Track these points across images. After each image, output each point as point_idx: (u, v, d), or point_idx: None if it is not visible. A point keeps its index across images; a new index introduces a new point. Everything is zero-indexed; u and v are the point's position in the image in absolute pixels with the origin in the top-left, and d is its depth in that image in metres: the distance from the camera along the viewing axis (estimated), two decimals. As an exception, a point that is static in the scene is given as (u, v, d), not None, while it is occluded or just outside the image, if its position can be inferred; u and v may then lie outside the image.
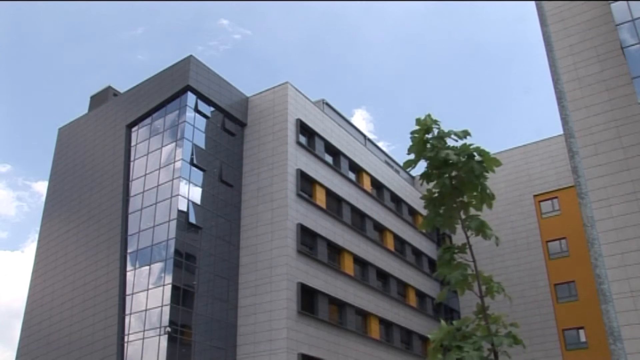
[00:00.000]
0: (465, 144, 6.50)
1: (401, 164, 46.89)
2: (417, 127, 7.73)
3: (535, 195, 53.85)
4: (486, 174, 6.47)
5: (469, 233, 5.68)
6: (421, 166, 7.88)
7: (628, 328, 26.57)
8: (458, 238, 8.58)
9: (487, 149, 6.98)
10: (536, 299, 48.76)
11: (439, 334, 4.99)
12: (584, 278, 45.16)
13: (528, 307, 48.76)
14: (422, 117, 7.31)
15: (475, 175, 6.04)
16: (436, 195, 6.03)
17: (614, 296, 6.14)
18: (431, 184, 7.03)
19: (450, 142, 7.60)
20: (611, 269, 28.07)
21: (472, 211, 6.32)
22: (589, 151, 31.25)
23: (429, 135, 6.56)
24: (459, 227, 6.00)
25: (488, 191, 6.09)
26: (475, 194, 6.11)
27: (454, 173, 6.16)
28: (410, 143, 8.15)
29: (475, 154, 6.36)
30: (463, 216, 6.04)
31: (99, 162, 48.66)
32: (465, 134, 6.51)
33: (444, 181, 6.08)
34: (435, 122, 6.59)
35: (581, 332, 46.90)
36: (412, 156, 7.35)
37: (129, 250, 42.90)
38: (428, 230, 7.59)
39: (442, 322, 4.99)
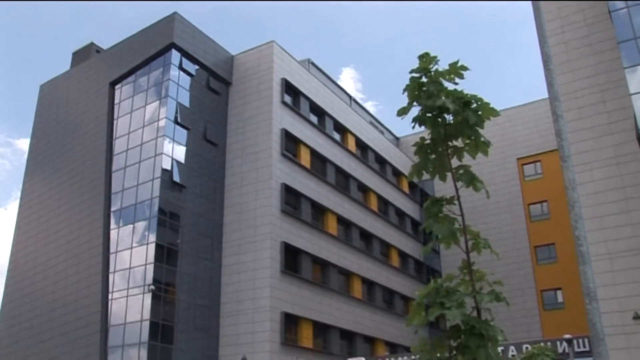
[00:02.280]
0: (462, 91, 6.35)
1: (387, 125, 47.09)
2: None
3: (518, 159, 54.22)
4: (482, 122, 6.38)
5: (459, 185, 5.67)
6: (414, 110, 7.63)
7: (603, 289, 27.12)
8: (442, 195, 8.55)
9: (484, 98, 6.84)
10: (516, 261, 49.48)
11: (424, 291, 5.06)
12: (563, 241, 45.80)
13: (509, 269, 49.40)
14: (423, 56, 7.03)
15: (469, 125, 5.97)
16: (428, 141, 5.93)
17: (592, 258, 6.25)
18: (422, 129, 6.85)
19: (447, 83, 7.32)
20: (590, 232, 28.45)
21: (466, 158, 6.24)
22: (572, 115, 31.40)
23: (426, 79, 6.38)
24: (449, 181, 5.98)
25: (483, 139, 6.06)
26: (468, 141, 6.06)
27: (449, 119, 6.05)
28: (404, 97, 7.92)
29: (472, 101, 6.25)
30: (456, 163, 5.98)
31: (81, 120, 48.20)
32: (463, 69, 6.35)
33: (437, 128, 5.98)
34: (435, 60, 6.37)
35: (559, 293, 47.77)
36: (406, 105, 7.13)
37: (112, 209, 42.82)
38: (418, 179, 7.52)
39: (432, 280, 5.05)
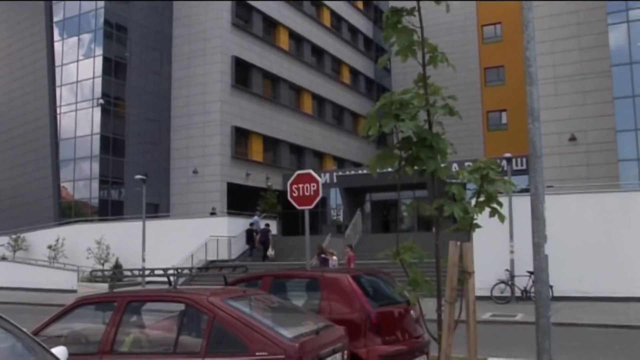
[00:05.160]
0: None
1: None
2: None
3: (475, -22, 52.91)
4: None
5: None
6: None
7: (546, 111, 28.10)
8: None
9: None
10: (466, 82, 50.05)
11: (380, 102, 5.13)
12: (513, 64, 46.25)
13: (457, 89, 49.57)
14: None
15: None
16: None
17: (539, 81, 6.39)
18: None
19: None
20: (540, 55, 28.79)
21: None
22: None
23: None
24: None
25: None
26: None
27: None
28: None
29: None
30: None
31: None
32: None
33: None
34: None
35: (503, 114, 49.18)
36: None
37: (55, 19, 40.93)
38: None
39: (388, 93, 5.09)
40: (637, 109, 28.84)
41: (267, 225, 31.99)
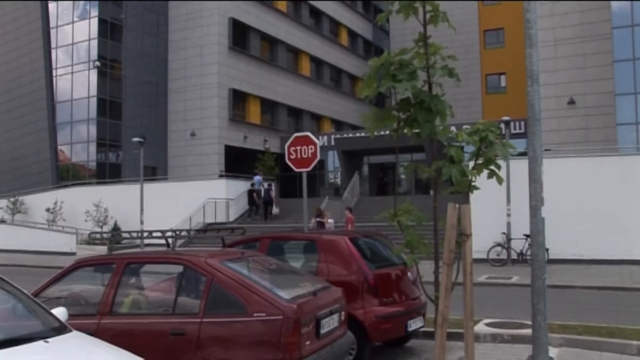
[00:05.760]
0: None
1: None
2: None
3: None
4: None
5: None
6: None
7: (545, 75, 27.90)
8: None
9: None
10: (465, 44, 49.59)
11: (378, 61, 5.05)
12: (512, 26, 45.86)
13: (456, 52, 48.99)
14: None
15: None
16: None
17: (539, 44, 6.33)
18: None
19: None
20: (540, 18, 28.51)
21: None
22: None
23: None
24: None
25: None
26: None
27: None
28: None
29: None
30: None
31: None
32: None
33: None
34: None
35: (502, 77, 48.90)
36: None
37: (48, -21, 40.35)
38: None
39: (386, 53, 4.98)
40: (637, 73, 28.70)
41: (270, 185, 32.37)
